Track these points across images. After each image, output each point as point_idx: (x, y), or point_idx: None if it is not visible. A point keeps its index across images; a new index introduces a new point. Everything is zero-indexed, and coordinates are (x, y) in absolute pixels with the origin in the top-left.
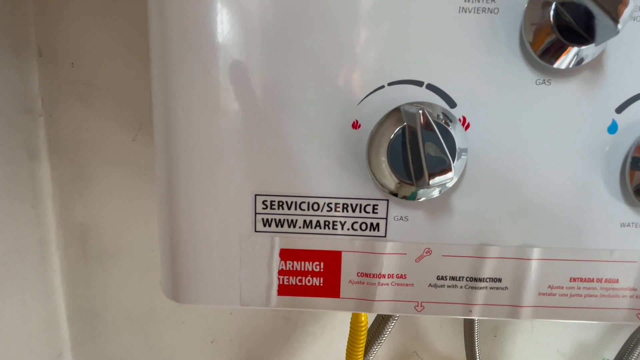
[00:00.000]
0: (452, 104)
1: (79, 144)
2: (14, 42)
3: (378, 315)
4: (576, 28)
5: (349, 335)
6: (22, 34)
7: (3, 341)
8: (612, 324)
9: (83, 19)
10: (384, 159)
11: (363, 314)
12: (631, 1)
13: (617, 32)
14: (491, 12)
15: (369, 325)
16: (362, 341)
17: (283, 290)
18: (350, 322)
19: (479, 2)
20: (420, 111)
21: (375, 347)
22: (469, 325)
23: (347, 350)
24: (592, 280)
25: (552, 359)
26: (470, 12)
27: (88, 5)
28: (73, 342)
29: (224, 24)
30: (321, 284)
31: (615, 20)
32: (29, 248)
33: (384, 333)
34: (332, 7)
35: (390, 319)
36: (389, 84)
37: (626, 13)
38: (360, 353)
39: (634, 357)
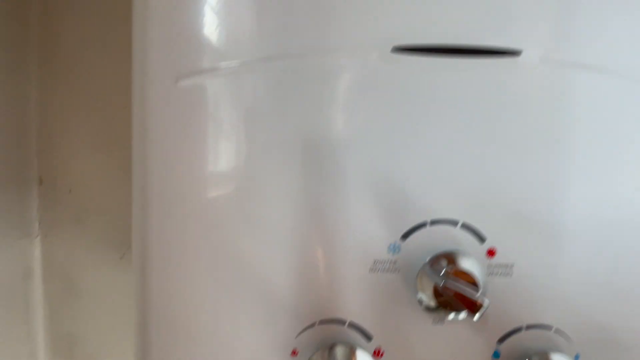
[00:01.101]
0: (369, 337)
1: (70, 261)
2: (18, 174)
3: None
4: (453, 302)
5: None
6: (26, 166)
7: None
8: None
9: (81, 151)
10: None
11: None
12: (486, 300)
13: (476, 320)
14: (394, 272)
15: None
16: None
17: None
18: None
19: (384, 264)
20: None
21: None
22: None
23: None
24: None
25: None
26: (378, 271)
27: (86, 140)
28: None
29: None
30: None
31: (472, 316)
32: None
33: None
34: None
35: None
36: (320, 323)
37: (482, 310)
38: None
39: None
